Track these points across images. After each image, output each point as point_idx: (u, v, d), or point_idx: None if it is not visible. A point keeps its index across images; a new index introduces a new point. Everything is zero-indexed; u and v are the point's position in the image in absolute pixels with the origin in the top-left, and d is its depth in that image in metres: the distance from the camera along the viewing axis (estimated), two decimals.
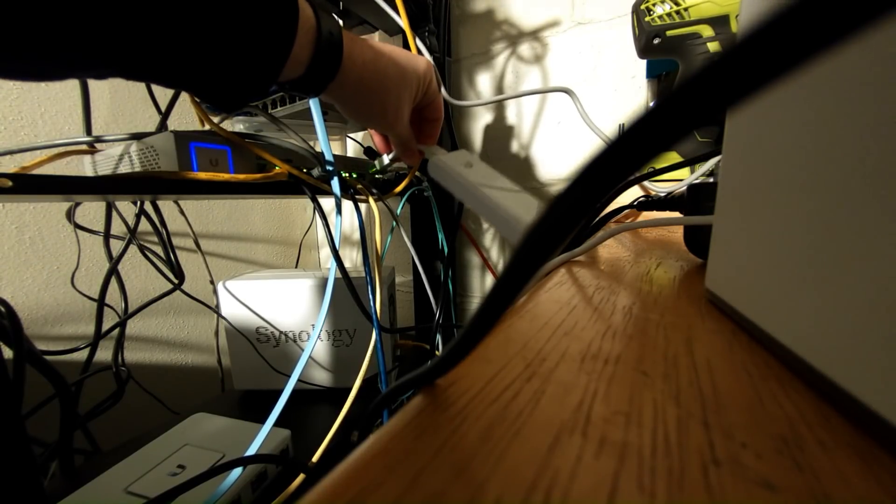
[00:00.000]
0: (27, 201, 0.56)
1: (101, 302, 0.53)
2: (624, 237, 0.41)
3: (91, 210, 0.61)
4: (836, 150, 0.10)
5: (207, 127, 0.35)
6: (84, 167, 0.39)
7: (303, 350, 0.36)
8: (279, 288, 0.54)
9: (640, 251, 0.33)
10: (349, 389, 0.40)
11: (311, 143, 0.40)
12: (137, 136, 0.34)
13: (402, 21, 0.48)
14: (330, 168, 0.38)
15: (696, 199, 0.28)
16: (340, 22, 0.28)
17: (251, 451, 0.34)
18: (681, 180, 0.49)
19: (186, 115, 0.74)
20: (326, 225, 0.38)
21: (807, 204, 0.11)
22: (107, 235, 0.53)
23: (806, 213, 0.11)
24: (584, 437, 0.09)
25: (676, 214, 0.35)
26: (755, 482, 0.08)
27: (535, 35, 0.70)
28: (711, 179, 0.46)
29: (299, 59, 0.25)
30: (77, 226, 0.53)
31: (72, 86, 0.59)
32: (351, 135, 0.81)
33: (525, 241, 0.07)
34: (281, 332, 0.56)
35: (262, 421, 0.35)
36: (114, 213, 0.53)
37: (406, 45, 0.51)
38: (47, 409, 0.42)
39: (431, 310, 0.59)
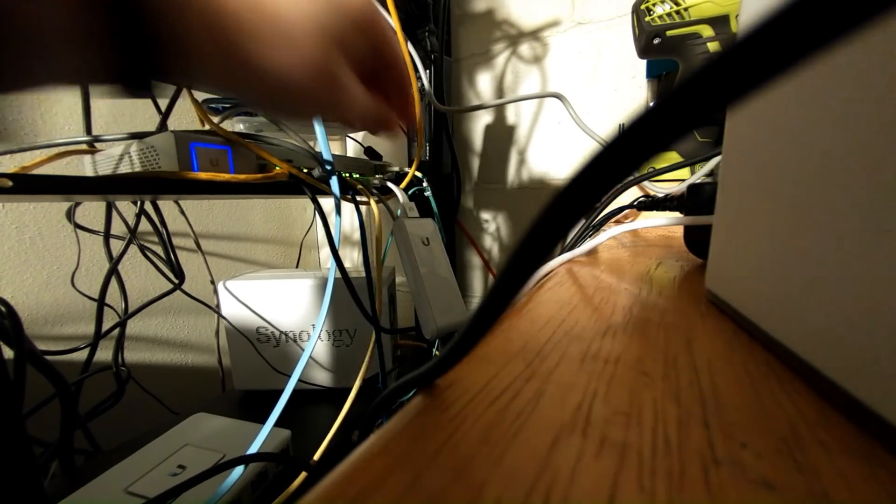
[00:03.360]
0: (27, 201, 0.56)
1: (101, 302, 0.53)
2: (624, 237, 0.41)
3: (91, 210, 0.61)
4: (836, 150, 0.10)
5: (207, 127, 0.35)
6: (84, 167, 0.39)
7: (303, 350, 0.36)
8: (279, 288, 0.54)
9: (640, 251, 0.33)
10: (349, 389, 0.40)
11: (312, 144, 0.40)
12: (137, 136, 0.34)
13: (394, 23, 0.48)
14: (329, 168, 0.38)
15: (696, 199, 0.28)
16: None
17: (251, 451, 0.34)
18: (681, 180, 0.49)
19: (186, 115, 0.74)
20: (326, 225, 0.38)
21: (807, 203, 0.11)
22: (107, 235, 0.53)
23: (806, 212, 0.11)
24: (584, 437, 0.09)
25: (676, 214, 0.35)
26: (755, 482, 0.08)
27: (535, 35, 0.70)
28: (711, 179, 0.46)
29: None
30: (77, 226, 0.53)
31: None
32: (351, 135, 0.81)
33: (524, 241, 0.07)
34: (281, 332, 0.56)
35: (263, 421, 0.35)
36: (114, 213, 0.53)
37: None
38: (47, 409, 0.42)
39: None
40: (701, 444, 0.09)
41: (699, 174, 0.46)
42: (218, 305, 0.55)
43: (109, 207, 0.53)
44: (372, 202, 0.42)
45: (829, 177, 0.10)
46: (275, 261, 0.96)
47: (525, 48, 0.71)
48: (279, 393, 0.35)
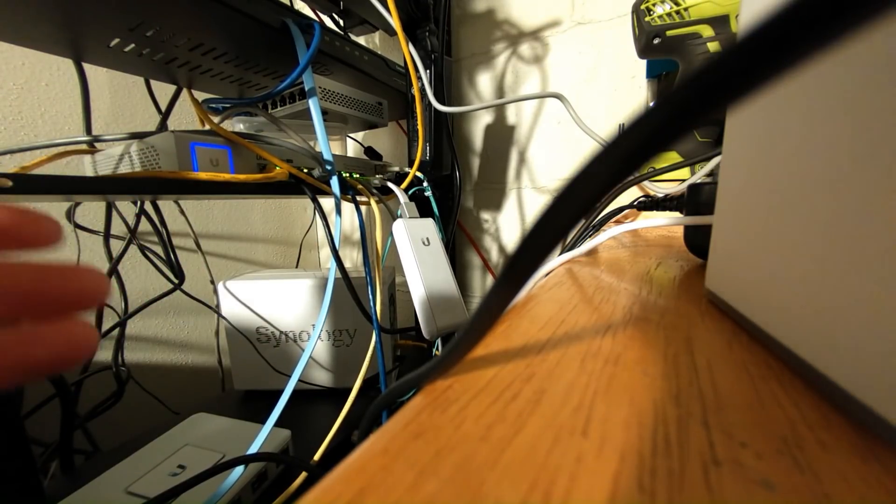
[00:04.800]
0: (27, 201, 0.56)
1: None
2: (624, 237, 0.41)
3: (91, 210, 0.61)
4: (836, 150, 0.10)
5: (208, 127, 0.35)
6: (84, 167, 0.39)
7: (303, 350, 0.36)
8: (279, 288, 0.54)
9: (640, 251, 0.33)
10: (349, 389, 0.40)
11: (312, 144, 0.40)
12: (138, 136, 0.34)
13: (395, 24, 0.48)
14: (329, 168, 0.38)
15: (696, 199, 0.28)
16: None
17: (252, 451, 0.34)
18: (681, 180, 0.49)
19: (187, 115, 0.74)
20: (326, 225, 0.38)
21: (807, 203, 0.11)
22: (107, 235, 0.53)
23: (806, 212, 0.11)
24: (584, 437, 0.09)
25: (676, 214, 0.35)
26: (755, 482, 0.08)
27: (535, 35, 0.70)
28: (711, 179, 0.46)
29: None
30: (77, 226, 0.53)
31: (72, 85, 0.59)
32: (351, 135, 0.82)
33: (525, 241, 0.07)
34: (281, 332, 0.56)
35: (263, 421, 0.35)
36: (114, 213, 0.53)
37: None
38: (47, 409, 0.42)
39: None
40: (701, 444, 0.09)
41: (699, 174, 0.46)
42: (218, 305, 0.56)
43: (109, 207, 0.53)
44: (372, 202, 0.42)
45: (829, 176, 0.10)
46: (275, 261, 0.96)
47: (525, 48, 0.71)
48: (279, 393, 0.35)
